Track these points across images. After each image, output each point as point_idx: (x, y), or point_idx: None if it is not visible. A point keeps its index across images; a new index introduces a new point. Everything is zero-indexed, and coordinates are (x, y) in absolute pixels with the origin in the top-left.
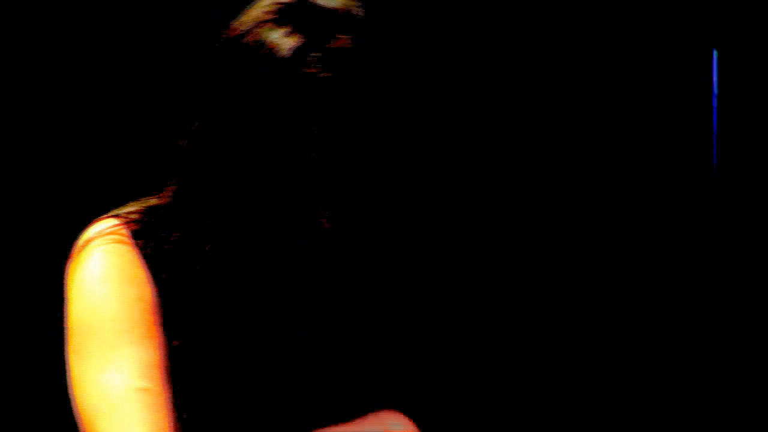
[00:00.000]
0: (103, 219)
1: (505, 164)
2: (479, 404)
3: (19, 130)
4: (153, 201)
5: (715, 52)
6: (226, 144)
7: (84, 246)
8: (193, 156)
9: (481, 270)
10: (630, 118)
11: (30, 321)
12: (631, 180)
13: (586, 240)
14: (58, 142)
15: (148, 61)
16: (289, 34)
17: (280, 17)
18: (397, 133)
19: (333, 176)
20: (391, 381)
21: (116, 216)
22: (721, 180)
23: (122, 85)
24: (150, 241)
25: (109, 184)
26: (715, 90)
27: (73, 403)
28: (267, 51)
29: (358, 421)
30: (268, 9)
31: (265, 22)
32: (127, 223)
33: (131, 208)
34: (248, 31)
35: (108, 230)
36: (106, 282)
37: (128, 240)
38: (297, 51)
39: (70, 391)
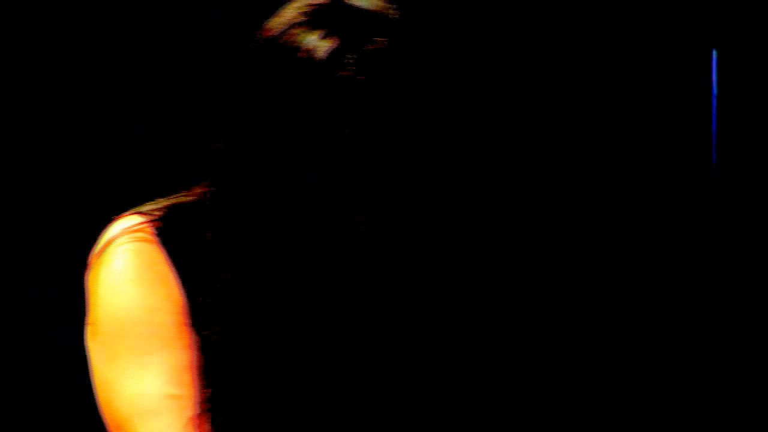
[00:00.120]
0: (125, 216)
1: (519, 163)
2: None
3: (36, 128)
4: (178, 200)
5: (714, 52)
6: (262, 146)
7: (108, 244)
8: (230, 158)
9: (490, 267)
10: (629, 118)
11: (49, 318)
12: (630, 180)
13: (585, 240)
14: (72, 141)
15: (174, 62)
16: (324, 37)
17: (315, 20)
18: (433, 134)
19: (368, 178)
20: (416, 380)
21: (139, 213)
22: (720, 180)
23: (145, 83)
24: (178, 240)
25: (122, 183)
26: (715, 90)
27: (98, 403)
28: (304, 54)
29: None
30: (301, 11)
31: (299, 24)
32: (152, 221)
33: (153, 205)
34: (283, 34)
35: (133, 228)
36: (133, 283)
37: (153, 238)
38: (333, 53)
39: (94, 390)
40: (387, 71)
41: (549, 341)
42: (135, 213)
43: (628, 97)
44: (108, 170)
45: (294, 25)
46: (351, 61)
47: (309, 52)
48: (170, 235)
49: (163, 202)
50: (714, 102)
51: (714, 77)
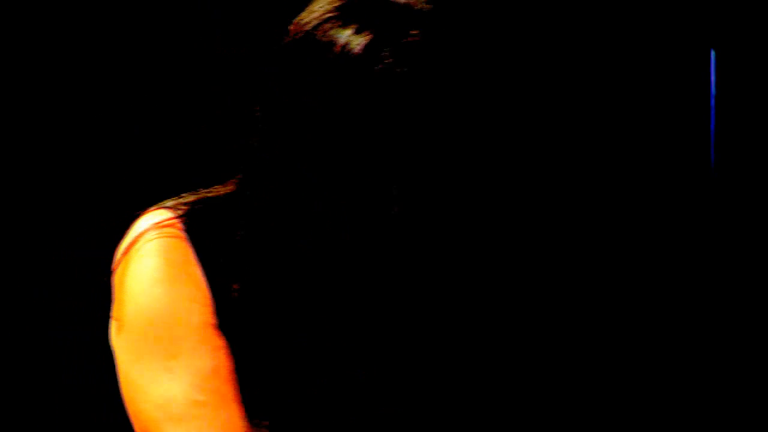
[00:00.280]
0: (153, 211)
1: (537, 160)
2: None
3: (37, 128)
4: (206, 195)
5: (713, 53)
6: (299, 142)
7: (137, 239)
8: (266, 154)
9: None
10: (628, 118)
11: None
12: (629, 180)
13: (583, 239)
14: (83, 140)
15: (188, 60)
16: (358, 32)
17: (346, 15)
18: (472, 124)
19: (407, 172)
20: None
21: (167, 208)
22: (719, 180)
23: (150, 83)
24: (207, 237)
25: (131, 183)
26: (713, 90)
27: (124, 400)
28: (339, 49)
29: None
30: (331, 7)
31: (330, 20)
32: (180, 216)
33: (179, 200)
34: (315, 30)
35: (163, 223)
36: (161, 283)
37: (183, 234)
38: (369, 48)
39: (119, 385)
40: (424, 63)
41: (549, 341)
42: (162, 207)
43: (626, 97)
44: (115, 170)
45: (325, 21)
46: (387, 54)
47: (344, 47)
48: (199, 232)
49: (189, 198)
50: (712, 102)
51: (713, 77)
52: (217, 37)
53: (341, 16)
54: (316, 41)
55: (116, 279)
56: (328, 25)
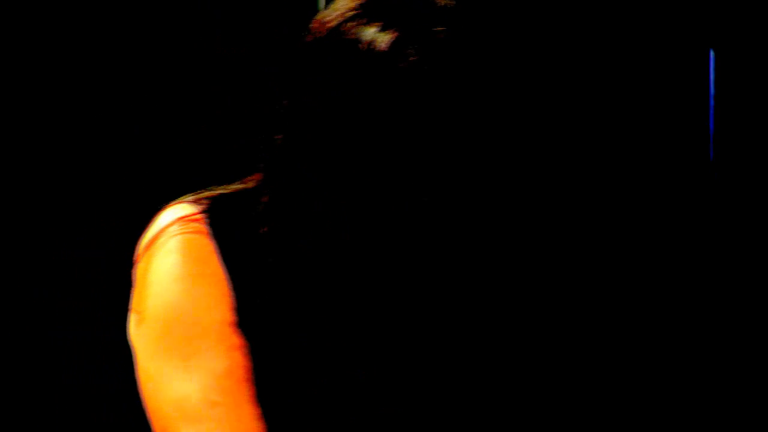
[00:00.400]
0: (176, 204)
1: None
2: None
3: (40, 128)
4: (227, 191)
5: (711, 53)
6: (325, 137)
7: (160, 234)
8: (291, 151)
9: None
10: (626, 118)
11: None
12: (628, 180)
13: (582, 239)
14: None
15: (196, 58)
16: (382, 30)
17: (369, 13)
18: (501, 120)
19: (433, 167)
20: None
21: (191, 202)
22: (718, 180)
23: (154, 82)
24: (229, 234)
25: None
26: (712, 90)
27: (141, 393)
28: (364, 46)
29: None
30: (354, 5)
31: (353, 18)
32: (204, 211)
33: (200, 195)
34: (339, 27)
35: (187, 218)
36: (183, 279)
37: (206, 229)
38: (395, 45)
39: (137, 379)
40: (450, 60)
41: (547, 341)
42: (185, 202)
43: (625, 98)
44: (117, 170)
45: (349, 19)
46: (413, 51)
47: (369, 45)
48: (221, 227)
49: (210, 193)
50: (711, 102)
51: (711, 77)
52: (218, 36)
53: (365, 14)
54: (340, 39)
55: (138, 272)
56: (352, 23)
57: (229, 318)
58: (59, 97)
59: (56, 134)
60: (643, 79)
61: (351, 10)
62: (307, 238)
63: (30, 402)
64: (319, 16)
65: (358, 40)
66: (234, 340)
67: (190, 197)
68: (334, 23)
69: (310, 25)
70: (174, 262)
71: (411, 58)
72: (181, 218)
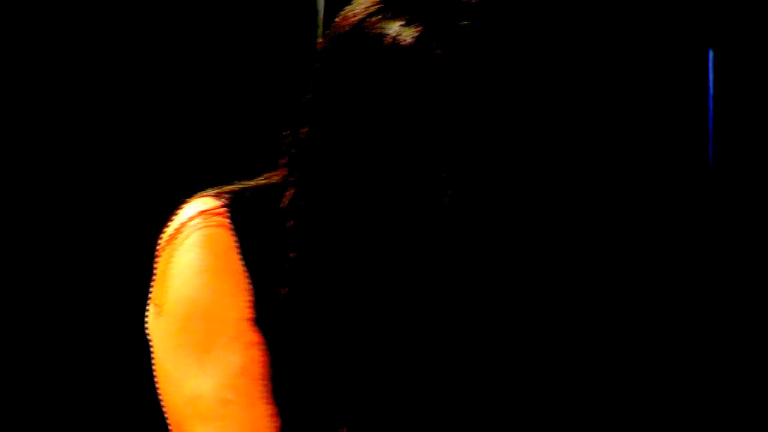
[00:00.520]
0: (199, 198)
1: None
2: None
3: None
4: (251, 185)
5: (711, 53)
6: (350, 132)
7: (182, 227)
8: (316, 145)
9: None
10: (625, 118)
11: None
12: (627, 181)
13: (581, 240)
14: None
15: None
16: (407, 25)
17: (393, 8)
18: (529, 111)
19: (457, 162)
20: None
21: (213, 196)
22: (717, 181)
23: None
24: (251, 228)
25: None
26: (711, 90)
27: (157, 387)
28: (389, 41)
29: None
30: (376, 0)
31: (376, 13)
32: (226, 205)
33: (223, 189)
34: (362, 23)
35: (210, 211)
36: (203, 273)
37: (228, 224)
38: (420, 39)
39: (154, 372)
40: (475, 53)
41: (547, 341)
42: (208, 195)
43: (624, 98)
44: (120, 169)
45: (373, 14)
46: (438, 45)
47: (394, 39)
48: (243, 222)
49: (232, 187)
50: (710, 102)
51: (710, 77)
52: (218, 36)
53: (389, 9)
54: (364, 34)
55: (159, 265)
56: (375, 18)
57: (247, 314)
58: (59, 97)
59: (56, 134)
60: (642, 79)
61: (374, 6)
62: (331, 233)
63: (30, 402)
64: (342, 12)
65: (382, 35)
66: (251, 336)
67: (213, 191)
68: (357, 19)
69: (335, 21)
70: (195, 256)
71: (437, 52)
72: (204, 212)
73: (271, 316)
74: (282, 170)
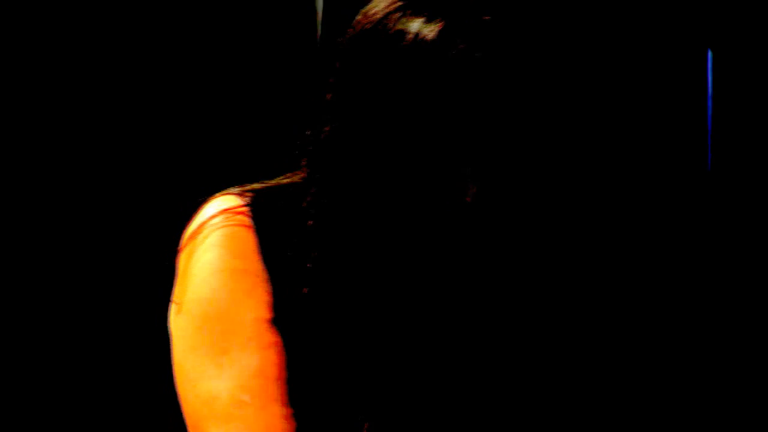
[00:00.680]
0: (222, 196)
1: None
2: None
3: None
4: (272, 184)
5: (709, 53)
6: (373, 129)
7: (203, 225)
8: (339, 143)
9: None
10: (624, 118)
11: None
12: (626, 181)
13: (580, 240)
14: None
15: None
16: (428, 21)
17: (414, 5)
18: (549, 108)
19: (481, 158)
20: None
21: (236, 194)
22: (716, 181)
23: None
24: (275, 227)
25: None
26: (710, 90)
27: (176, 384)
28: (411, 37)
29: None
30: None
31: (396, 11)
32: (248, 204)
33: (245, 188)
34: (385, 21)
35: (232, 210)
36: (222, 274)
37: (250, 223)
38: (442, 34)
39: (173, 370)
40: (498, 48)
41: (547, 341)
42: (230, 194)
43: (623, 98)
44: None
45: (394, 11)
46: (461, 40)
47: (417, 36)
48: (265, 221)
49: (255, 186)
50: (709, 102)
51: (709, 78)
52: (218, 36)
53: (410, 6)
54: (386, 31)
55: (181, 263)
56: (397, 15)
57: (264, 315)
58: (59, 97)
59: (56, 134)
60: (640, 79)
61: (394, 3)
62: (353, 232)
63: (30, 402)
64: (362, 11)
65: (404, 32)
66: (268, 337)
67: (236, 189)
68: (378, 17)
69: (356, 19)
70: (214, 256)
71: (460, 47)
72: (226, 210)
73: (291, 316)
74: (304, 169)
